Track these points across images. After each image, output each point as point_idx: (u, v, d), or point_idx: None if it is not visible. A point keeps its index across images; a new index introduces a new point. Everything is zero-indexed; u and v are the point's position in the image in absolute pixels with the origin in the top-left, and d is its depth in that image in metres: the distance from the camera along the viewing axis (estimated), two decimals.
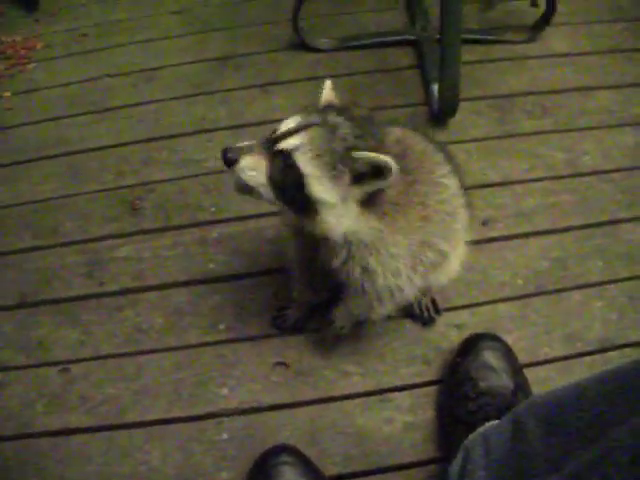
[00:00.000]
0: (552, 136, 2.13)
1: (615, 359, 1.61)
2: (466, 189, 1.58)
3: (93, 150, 2.17)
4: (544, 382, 1.55)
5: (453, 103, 2.04)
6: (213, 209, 1.94)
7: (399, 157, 1.21)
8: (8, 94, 2.44)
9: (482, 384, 1.44)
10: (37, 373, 1.64)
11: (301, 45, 2.43)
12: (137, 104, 2.32)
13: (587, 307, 1.71)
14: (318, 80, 2.28)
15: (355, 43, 2.43)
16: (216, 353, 1.64)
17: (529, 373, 1.53)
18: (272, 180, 1.22)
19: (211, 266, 1.81)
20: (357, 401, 1.55)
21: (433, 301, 1.68)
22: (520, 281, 1.76)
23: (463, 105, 2.12)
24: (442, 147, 1.49)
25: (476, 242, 1.73)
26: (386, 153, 1.17)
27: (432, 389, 1.57)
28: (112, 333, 1.70)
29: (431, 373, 1.59)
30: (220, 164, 1.99)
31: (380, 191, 1.23)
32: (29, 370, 1.65)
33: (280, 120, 2.06)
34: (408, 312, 1.66)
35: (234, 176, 1.24)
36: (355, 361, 1.61)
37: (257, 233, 1.87)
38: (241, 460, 1.46)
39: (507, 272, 1.78)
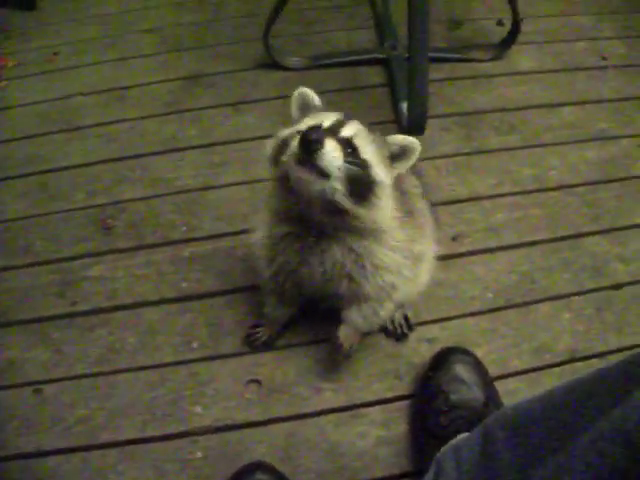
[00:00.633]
0: (519, 152, 2.18)
1: (583, 370, 1.63)
2: (435, 205, 1.61)
3: (64, 169, 2.16)
4: (514, 394, 1.57)
5: (422, 120, 2.07)
6: (185, 228, 1.94)
7: None
8: None
9: (453, 397, 1.45)
10: (9, 394, 1.62)
11: (272, 64, 2.46)
12: (109, 123, 2.32)
13: (555, 319, 1.74)
14: (288, 99, 2.29)
15: (325, 62, 2.46)
16: (189, 371, 1.64)
17: (499, 385, 1.55)
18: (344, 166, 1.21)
19: (183, 285, 1.81)
20: (330, 417, 1.56)
21: (405, 317, 1.69)
22: (489, 295, 1.78)
23: (432, 122, 2.17)
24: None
25: (446, 257, 1.76)
26: None
27: (404, 403, 1.58)
28: (85, 353, 1.69)
29: (403, 388, 1.60)
30: (193, 182, 2.05)
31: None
32: (1, 391, 1.63)
33: (252, 139, 2.10)
34: (381, 328, 1.67)
35: (320, 159, 1.17)
36: (328, 377, 1.62)
37: (229, 251, 1.87)
38: (216, 478, 1.45)
39: (477, 286, 1.80)
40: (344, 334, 1.54)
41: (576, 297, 1.79)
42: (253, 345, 1.67)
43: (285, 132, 1.30)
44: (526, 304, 1.77)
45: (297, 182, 1.22)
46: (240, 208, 1.96)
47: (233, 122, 2.28)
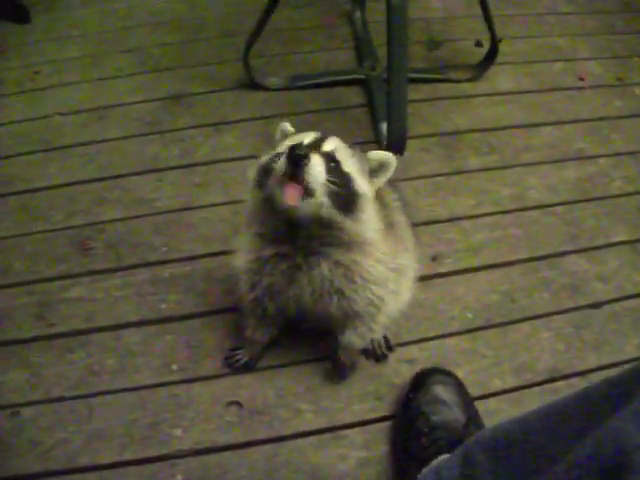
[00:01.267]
0: (498, 172, 2.20)
1: (563, 389, 1.64)
2: (415, 225, 1.62)
3: (44, 189, 2.15)
4: (495, 414, 1.56)
5: (401, 141, 2.08)
6: (164, 249, 1.93)
7: None
8: None
9: (434, 418, 1.45)
10: None
11: (252, 84, 2.47)
12: (88, 143, 2.31)
13: (535, 338, 1.75)
14: (268, 119, 2.33)
15: (305, 82, 2.48)
16: (169, 394, 1.62)
17: (480, 405, 1.55)
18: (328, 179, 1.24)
19: (163, 306, 1.79)
20: (311, 439, 1.55)
21: (385, 338, 1.69)
22: (469, 315, 1.79)
23: (411, 143, 2.18)
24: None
25: (426, 277, 1.77)
26: None
27: (385, 425, 1.57)
28: (63, 375, 1.66)
29: (384, 409, 1.59)
30: (173, 203, 2.04)
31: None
32: None
33: (233, 159, 2.10)
34: (361, 350, 1.66)
35: (307, 173, 1.20)
36: (308, 399, 1.61)
37: (208, 273, 1.86)
38: None
39: (456, 306, 1.80)
40: (344, 356, 1.58)
41: (555, 316, 1.80)
42: (233, 367, 1.65)
43: (265, 157, 1.33)
44: (506, 324, 1.77)
45: (284, 199, 1.22)
46: (220, 229, 1.96)
47: (213, 142, 2.28)
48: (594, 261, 1.94)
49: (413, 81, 2.34)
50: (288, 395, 1.62)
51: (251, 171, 1.36)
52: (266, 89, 2.47)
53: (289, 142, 1.29)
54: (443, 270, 1.89)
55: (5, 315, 1.80)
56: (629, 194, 2.16)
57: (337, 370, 1.63)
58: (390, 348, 1.69)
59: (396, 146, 2.10)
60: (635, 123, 2.44)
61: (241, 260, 1.46)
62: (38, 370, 1.68)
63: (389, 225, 1.42)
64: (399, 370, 1.67)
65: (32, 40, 2.88)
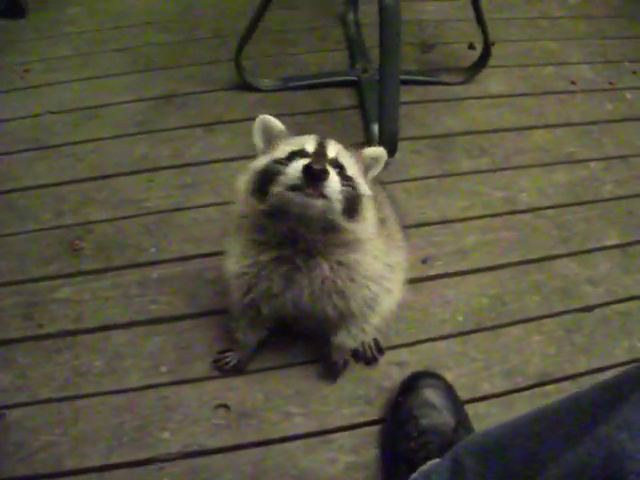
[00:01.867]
0: (489, 175, 2.20)
1: (554, 393, 1.64)
2: (406, 227, 1.61)
3: (32, 188, 2.13)
4: (485, 417, 1.56)
5: (393, 142, 2.08)
6: (153, 250, 1.92)
7: None
8: None
9: (424, 422, 1.44)
10: None
11: (243, 85, 2.46)
12: (78, 142, 2.29)
13: (526, 342, 1.75)
14: None
15: (297, 83, 2.47)
16: (157, 396, 1.61)
17: (470, 409, 1.55)
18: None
19: (152, 307, 1.78)
20: (300, 442, 1.54)
21: (375, 341, 1.68)
22: (460, 318, 1.78)
23: (403, 145, 2.18)
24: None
25: (416, 280, 1.77)
26: None
27: (374, 428, 1.56)
28: (50, 377, 1.65)
29: (373, 412, 1.59)
30: (163, 203, 2.03)
31: None
32: None
33: (224, 160, 2.09)
34: (351, 352, 1.66)
35: (326, 189, 1.18)
36: (298, 402, 1.60)
37: (198, 274, 1.85)
38: None
39: (447, 309, 1.80)
40: (337, 355, 1.59)
41: (546, 320, 1.80)
42: (222, 369, 1.64)
43: (260, 162, 1.30)
44: (496, 327, 1.77)
45: (297, 209, 1.21)
46: (210, 230, 1.94)
47: (204, 143, 2.27)
48: (585, 264, 1.95)
49: (405, 83, 2.34)
50: (277, 398, 1.61)
51: (243, 178, 1.33)
52: (258, 90, 2.46)
53: (287, 146, 1.28)
54: (434, 273, 1.88)
55: None
56: (620, 198, 2.17)
57: (329, 370, 1.63)
58: (381, 351, 1.68)
59: (388, 148, 2.05)
60: (626, 127, 2.46)
61: (234, 265, 1.43)
62: (24, 371, 1.66)
63: (381, 221, 1.41)
64: (389, 373, 1.66)
65: (23, 37, 2.86)
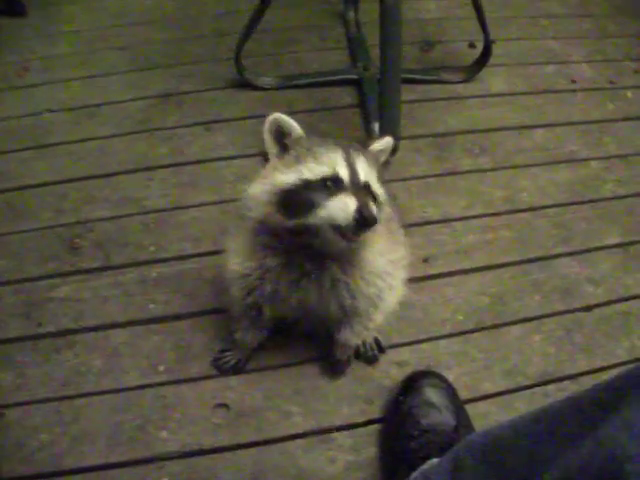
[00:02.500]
0: (490, 174, 2.19)
1: (554, 392, 1.64)
2: (407, 226, 1.61)
3: (32, 187, 2.12)
4: (486, 417, 1.56)
5: (394, 141, 2.06)
6: (153, 248, 1.91)
7: None
8: None
9: (424, 422, 1.44)
10: None
11: (243, 83, 2.45)
12: (78, 141, 2.29)
13: (526, 341, 1.74)
14: (260, 118, 2.27)
15: (297, 82, 2.46)
16: (156, 395, 1.60)
17: (471, 409, 1.54)
18: None
19: (151, 306, 1.78)
20: (299, 442, 1.54)
21: (376, 340, 1.68)
22: (460, 317, 1.78)
23: (403, 143, 2.17)
24: None
25: (417, 279, 1.76)
26: None
27: (374, 428, 1.56)
28: (49, 376, 1.64)
29: (373, 412, 1.58)
30: (162, 202, 2.03)
31: None
32: None
33: (223, 158, 2.07)
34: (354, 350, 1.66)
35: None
36: (297, 401, 1.60)
37: (197, 273, 1.85)
38: None
39: (447, 308, 1.80)
40: (340, 352, 1.58)
41: (546, 319, 1.80)
42: (222, 369, 1.64)
43: (286, 179, 1.23)
44: (497, 326, 1.77)
45: (331, 242, 1.22)
46: (210, 228, 1.94)
47: (204, 141, 2.27)
48: (585, 264, 1.94)
49: (406, 82, 2.33)
50: (276, 397, 1.60)
51: (263, 188, 1.27)
52: (258, 88, 2.45)
53: (318, 168, 1.21)
54: (434, 272, 1.88)
55: None
56: (621, 197, 2.17)
57: (334, 366, 1.63)
58: (381, 350, 1.68)
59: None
60: (627, 126, 2.45)
61: (237, 265, 1.40)
62: (24, 370, 1.65)
63: (386, 219, 1.39)
64: (389, 372, 1.66)
65: (23, 36, 2.85)
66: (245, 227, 1.37)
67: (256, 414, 1.58)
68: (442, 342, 1.73)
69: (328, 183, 1.20)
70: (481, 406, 1.60)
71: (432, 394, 1.49)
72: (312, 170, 1.21)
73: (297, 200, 1.21)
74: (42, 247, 1.94)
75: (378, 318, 1.53)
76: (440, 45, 2.76)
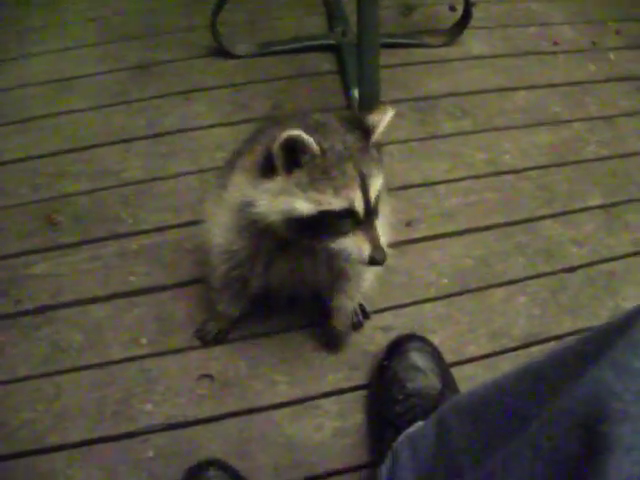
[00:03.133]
0: (472, 136, 2.17)
1: (539, 353, 1.62)
2: (389, 190, 1.58)
3: (6, 163, 2.07)
4: (471, 380, 1.56)
5: (373, 106, 2.03)
6: (132, 220, 1.88)
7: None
8: None
9: (409, 385, 1.43)
10: None
11: (220, 51, 2.40)
12: (53, 115, 2.23)
13: (511, 303, 1.74)
14: (238, 86, 2.29)
15: (274, 49, 2.42)
16: (139, 368, 1.59)
17: (456, 372, 1.54)
18: None
19: (131, 279, 1.75)
20: (285, 410, 1.53)
21: (361, 305, 1.66)
22: (444, 280, 1.77)
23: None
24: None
25: (400, 243, 1.74)
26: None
27: (360, 393, 1.56)
28: (29, 353, 1.62)
29: (359, 377, 1.58)
30: (140, 174, 2.01)
31: None
32: None
33: (202, 128, 2.03)
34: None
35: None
36: (282, 370, 1.59)
37: (177, 244, 1.82)
38: (169, 478, 1.41)
39: (431, 272, 1.79)
40: (338, 321, 1.57)
41: (531, 281, 1.80)
42: (204, 339, 1.62)
43: (301, 208, 1.18)
44: (481, 289, 1.77)
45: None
46: (189, 198, 1.91)
47: (182, 111, 2.22)
48: (569, 225, 1.94)
49: (386, 46, 2.30)
50: (261, 366, 1.59)
51: (275, 207, 1.21)
52: (235, 56, 2.40)
53: (336, 200, 1.17)
54: (418, 235, 1.87)
55: None
56: (603, 158, 2.16)
57: (335, 339, 1.61)
58: (366, 315, 1.67)
59: (368, 112, 2.05)
60: (609, 88, 2.43)
61: (222, 238, 1.38)
62: (2, 349, 1.63)
63: None
64: (374, 338, 1.65)
65: None
66: (231, 208, 1.33)
67: (241, 384, 1.56)
68: (427, 306, 1.72)
69: (344, 216, 1.19)
70: (467, 369, 1.60)
71: (417, 358, 1.48)
72: (331, 204, 1.17)
73: (310, 226, 1.20)
74: (19, 224, 1.90)
75: (369, 277, 1.51)
76: (420, 8, 2.70)
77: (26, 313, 1.70)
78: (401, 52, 2.46)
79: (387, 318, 1.69)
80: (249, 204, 1.24)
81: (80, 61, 2.46)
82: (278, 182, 1.20)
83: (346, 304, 1.54)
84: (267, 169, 1.21)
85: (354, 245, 1.20)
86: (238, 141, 1.52)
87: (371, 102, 2.02)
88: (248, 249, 1.35)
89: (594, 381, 0.76)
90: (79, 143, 2.12)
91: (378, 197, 1.22)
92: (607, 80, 2.46)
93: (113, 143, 2.12)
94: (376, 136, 1.26)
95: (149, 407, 1.53)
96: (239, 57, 2.40)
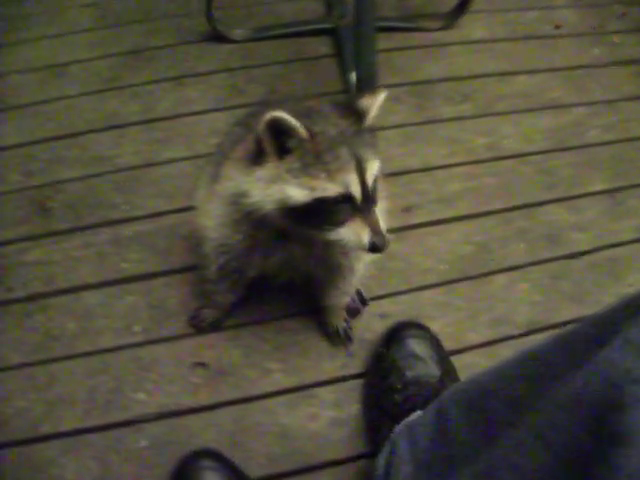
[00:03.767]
0: (472, 121, 2.14)
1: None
2: (387, 176, 1.55)
3: None
4: (471, 368, 1.53)
5: (371, 89, 2.00)
6: (125, 207, 1.85)
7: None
8: None
9: (408, 374, 1.41)
10: None
11: (215, 36, 2.36)
12: (46, 101, 2.19)
13: (512, 290, 1.72)
14: (234, 71, 2.25)
15: (270, 33, 2.37)
16: (131, 356, 1.57)
17: (456, 360, 1.52)
18: None
19: (124, 266, 1.72)
20: (280, 399, 1.51)
21: (358, 292, 1.63)
22: (444, 267, 1.75)
23: None
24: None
25: (398, 229, 1.72)
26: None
27: (357, 382, 1.54)
28: (21, 341, 1.60)
29: (356, 366, 1.56)
30: (134, 159, 1.97)
31: None
32: None
33: (196, 113, 1.99)
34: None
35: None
36: (277, 358, 1.57)
37: (171, 230, 1.79)
38: (162, 467, 1.39)
39: (430, 258, 1.76)
40: (335, 317, 1.56)
41: (532, 267, 1.77)
42: (199, 327, 1.60)
43: (296, 196, 1.14)
44: (482, 275, 1.74)
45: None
46: (183, 184, 1.87)
47: (176, 97, 2.18)
48: (571, 211, 1.91)
49: (384, 30, 2.27)
50: (256, 354, 1.57)
51: (263, 197, 1.17)
52: (231, 41, 2.36)
53: (332, 185, 1.12)
54: (416, 221, 1.84)
55: None
56: (606, 143, 2.13)
57: (333, 338, 1.59)
58: (364, 302, 1.64)
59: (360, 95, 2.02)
60: (612, 71, 2.39)
61: (216, 232, 1.35)
62: None
63: None
64: (371, 325, 1.62)
65: None
66: (224, 201, 1.30)
67: (235, 372, 1.54)
68: (425, 293, 1.69)
69: (341, 202, 1.14)
70: (467, 357, 1.58)
71: (415, 345, 1.46)
72: (326, 189, 1.13)
73: (307, 214, 1.16)
74: (11, 211, 1.87)
75: (360, 269, 1.47)
76: None
77: (18, 300, 1.68)
78: (398, 36, 2.42)
79: (385, 305, 1.66)
80: (242, 195, 1.20)
81: (74, 47, 2.42)
82: (269, 169, 1.16)
83: (339, 299, 1.53)
84: (257, 155, 1.17)
85: (353, 232, 1.15)
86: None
87: (368, 86, 1.98)
88: (244, 242, 1.32)
89: (605, 364, 0.71)
90: (72, 129, 2.09)
91: (376, 182, 1.18)
92: (610, 64, 2.42)
93: (107, 129, 2.09)
94: (369, 120, 1.22)
95: (142, 396, 1.51)
96: (235, 42, 2.36)
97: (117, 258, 1.74)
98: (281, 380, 1.53)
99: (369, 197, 1.16)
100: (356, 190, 1.13)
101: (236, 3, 2.55)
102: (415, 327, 1.51)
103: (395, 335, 1.49)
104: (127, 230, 1.80)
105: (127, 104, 2.17)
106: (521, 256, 1.79)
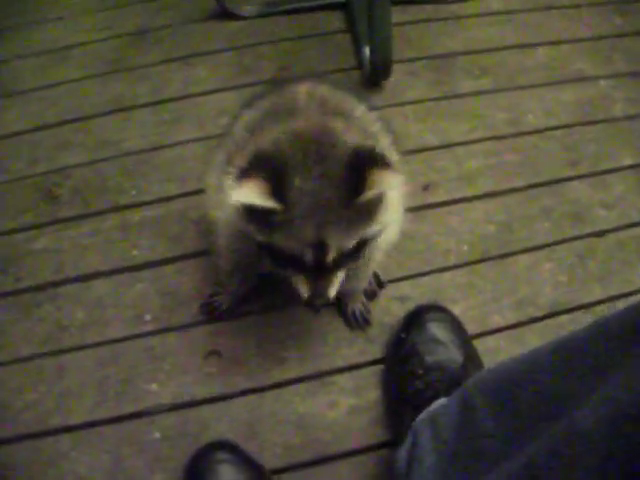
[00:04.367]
0: (492, 95, 2.06)
1: (567, 323, 1.57)
2: (405, 153, 1.49)
3: (3, 137, 2.00)
4: (495, 352, 1.50)
5: (386, 64, 1.94)
6: (134, 192, 1.81)
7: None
8: None
9: (429, 359, 1.35)
10: None
11: (223, 14, 2.29)
12: (49, 86, 2.14)
13: (536, 270, 1.66)
14: (243, 49, 2.19)
15: (281, 8, 2.30)
16: (143, 346, 1.53)
17: (479, 344, 1.47)
18: None
19: (134, 252, 1.68)
20: (297, 387, 1.46)
21: (376, 274, 1.58)
22: (465, 247, 1.69)
23: (397, 67, 2.03)
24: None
25: (417, 208, 1.66)
26: None
27: (377, 368, 1.49)
28: (31, 332, 1.56)
29: (375, 351, 1.51)
30: (142, 143, 1.92)
31: None
32: None
33: (205, 93, 1.94)
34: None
35: None
36: (293, 345, 1.52)
37: (181, 214, 1.74)
38: (176, 460, 1.36)
39: (451, 239, 1.70)
40: (353, 305, 1.53)
41: (557, 246, 1.71)
42: (212, 314, 1.55)
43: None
44: (505, 256, 1.68)
45: None
46: (194, 167, 1.82)
47: (184, 77, 2.12)
48: (597, 187, 1.84)
49: (398, 3, 2.20)
50: (270, 342, 1.53)
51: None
52: (239, 18, 2.29)
53: (289, 243, 1.12)
54: (436, 200, 1.78)
55: None
56: (632, 117, 2.04)
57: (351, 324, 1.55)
58: (381, 285, 1.59)
59: (381, 70, 1.96)
60: (638, 41, 2.29)
61: (225, 241, 1.37)
62: (4, 328, 1.57)
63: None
64: (390, 309, 1.57)
65: None
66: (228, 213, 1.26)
67: (250, 361, 1.50)
68: (446, 274, 1.64)
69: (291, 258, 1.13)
70: (490, 341, 1.53)
71: (437, 329, 1.40)
72: (280, 242, 1.12)
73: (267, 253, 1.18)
74: (17, 199, 1.83)
75: (378, 256, 1.43)
76: None
77: (26, 290, 1.64)
78: (413, 9, 2.33)
79: (404, 288, 1.61)
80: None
81: (76, 30, 2.36)
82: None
83: (358, 285, 1.49)
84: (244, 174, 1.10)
85: (297, 281, 1.18)
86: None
87: (383, 60, 1.92)
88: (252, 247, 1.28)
89: None
90: (77, 114, 2.04)
91: (344, 254, 1.13)
92: (635, 33, 2.32)
93: (113, 112, 2.03)
94: (367, 197, 1.08)
95: (154, 387, 1.47)
96: (243, 18, 2.29)
97: (127, 245, 1.70)
98: (297, 368, 1.49)
99: (325, 266, 1.13)
100: (308, 259, 1.12)
101: None
102: (436, 310, 1.46)
103: (415, 319, 1.44)
104: (136, 216, 1.75)
105: (133, 86, 2.11)
106: (545, 235, 1.72)
